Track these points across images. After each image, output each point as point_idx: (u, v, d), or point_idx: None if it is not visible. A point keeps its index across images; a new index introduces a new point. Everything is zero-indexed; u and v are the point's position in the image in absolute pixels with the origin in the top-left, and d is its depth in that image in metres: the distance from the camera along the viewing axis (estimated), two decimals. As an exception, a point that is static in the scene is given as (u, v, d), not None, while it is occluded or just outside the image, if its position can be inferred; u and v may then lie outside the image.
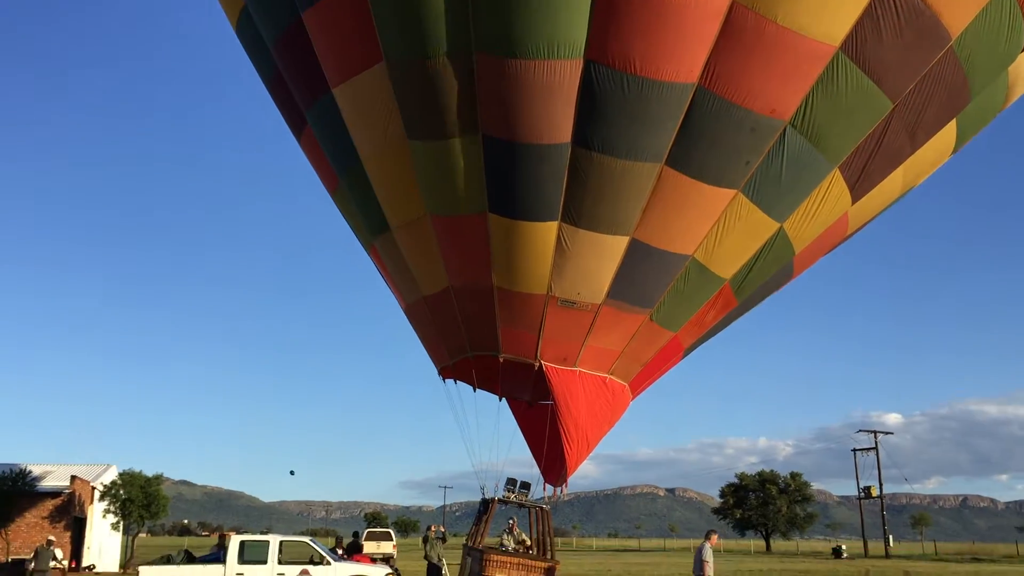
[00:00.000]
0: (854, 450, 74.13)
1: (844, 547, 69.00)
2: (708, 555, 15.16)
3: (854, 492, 76.89)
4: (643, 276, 15.96)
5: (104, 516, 45.27)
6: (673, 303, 16.64)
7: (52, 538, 27.52)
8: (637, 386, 18.75)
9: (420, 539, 43.50)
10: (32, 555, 23.59)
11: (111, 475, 47.69)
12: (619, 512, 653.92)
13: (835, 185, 15.90)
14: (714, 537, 16.21)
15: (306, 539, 18.91)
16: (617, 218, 15.09)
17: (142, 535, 56.09)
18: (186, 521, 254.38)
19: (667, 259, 15.73)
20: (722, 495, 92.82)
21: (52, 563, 23.27)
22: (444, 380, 19.18)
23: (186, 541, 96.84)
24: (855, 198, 16.51)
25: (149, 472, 45.45)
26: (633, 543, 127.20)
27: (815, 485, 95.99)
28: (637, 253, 15.51)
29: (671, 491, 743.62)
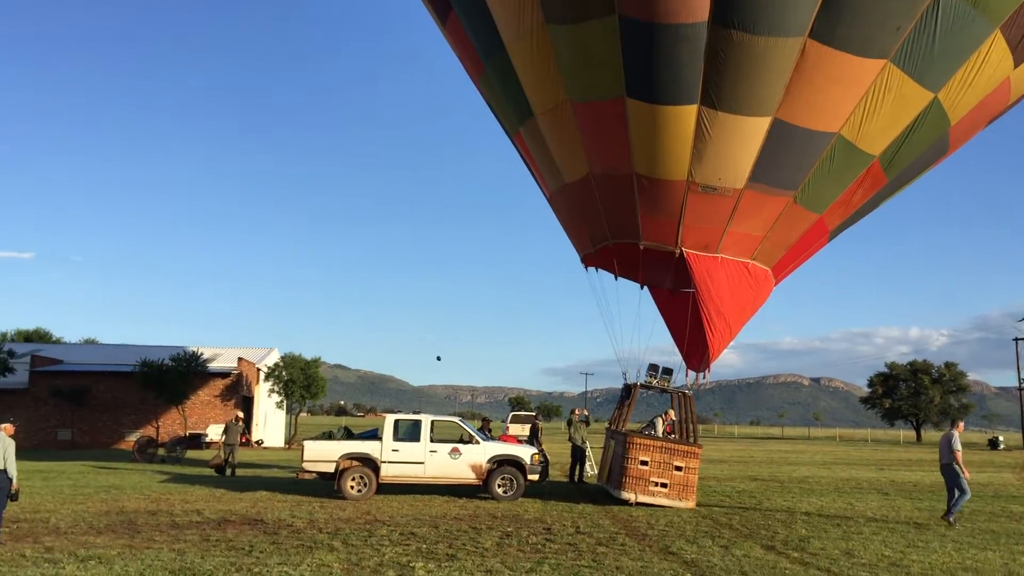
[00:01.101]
0: (1016, 340, 70.55)
1: (1001, 439, 66.50)
2: (957, 443, 14.97)
3: (1013, 383, 73.56)
4: (786, 157, 15.50)
5: (269, 395, 48.57)
6: (818, 184, 16.13)
7: (240, 414, 29.54)
8: (780, 271, 18.43)
9: (564, 423, 44.74)
10: (223, 429, 25.42)
11: (273, 358, 50.91)
12: (761, 401, 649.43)
13: (995, 48, 14.79)
14: (960, 425, 15.99)
15: (456, 419, 19.82)
16: (758, 98, 14.62)
17: (303, 414, 59.98)
18: (342, 402, 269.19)
19: (811, 138, 15.20)
20: (870, 385, 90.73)
21: (242, 438, 25.21)
22: (586, 268, 19.39)
23: (343, 420, 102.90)
24: (1018, 61, 15.35)
25: (308, 356, 48.26)
26: (776, 431, 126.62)
27: (971, 375, 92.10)
28: (780, 134, 15.05)
29: (815, 380, 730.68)
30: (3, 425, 12.15)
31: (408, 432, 18.28)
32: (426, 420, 18.46)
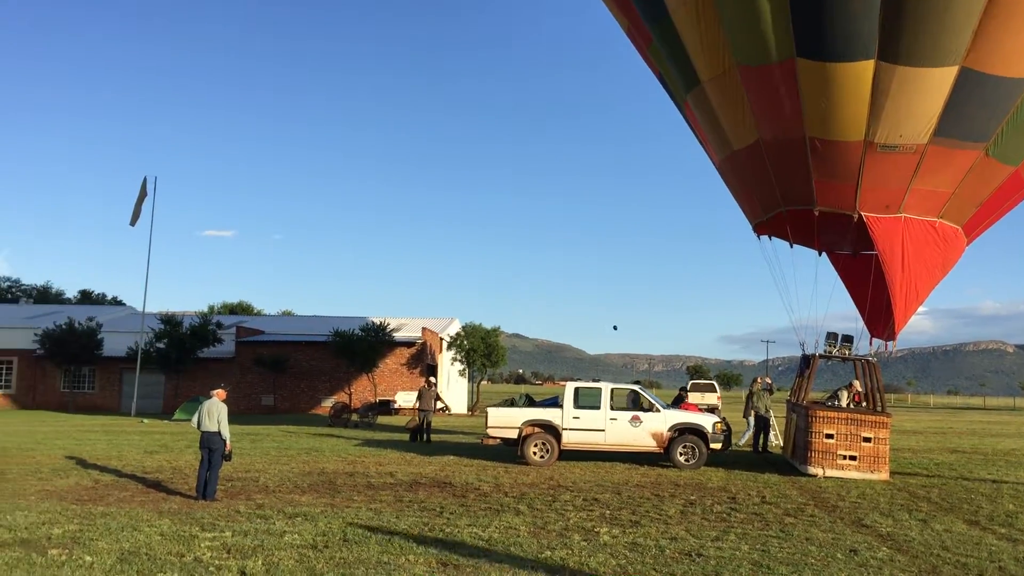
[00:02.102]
0: None
1: None
2: None
3: None
4: (976, 108, 14.47)
5: (452, 364, 50.13)
6: (1013, 134, 14.96)
7: (433, 379, 29.61)
8: (973, 229, 17.24)
9: (744, 394, 43.75)
10: (417, 395, 25.79)
11: (455, 328, 52.52)
12: (959, 369, 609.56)
13: None
14: None
15: (635, 387, 19.77)
16: (943, 48, 13.69)
17: (483, 382, 61.59)
18: (520, 371, 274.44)
19: (1004, 86, 14.12)
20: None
21: (436, 403, 25.42)
22: (759, 237, 18.81)
23: (523, 388, 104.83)
24: None
25: (487, 325, 49.43)
26: (977, 401, 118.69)
27: None
28: (968, 83, 14.05)
29: (1021, 347, 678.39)
30: (216, 391, 13.21)
31: (588, 400, 18.44)
32: (606, 388, 18.56)
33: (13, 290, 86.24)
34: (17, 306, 66.06)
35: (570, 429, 18.29)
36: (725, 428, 18.33)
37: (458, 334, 49.28)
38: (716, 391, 46.85)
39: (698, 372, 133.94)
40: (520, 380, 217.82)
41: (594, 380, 20.33)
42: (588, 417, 18.21)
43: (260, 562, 8.35)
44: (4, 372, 48.56)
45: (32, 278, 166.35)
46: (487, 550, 9.13)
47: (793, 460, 17.89)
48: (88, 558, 8.35)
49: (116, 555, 8.52)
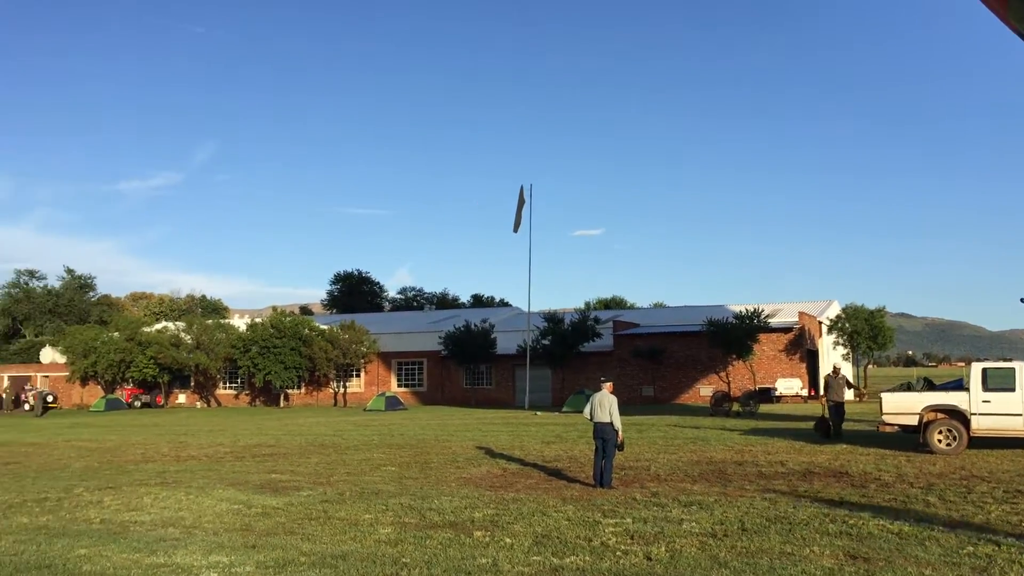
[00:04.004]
0: None
1: None
2: None
3: None
4: None
5: (834, 348, 47.80)
6: None
7: (838, 365, 23.70)
8: None
9: None
10: (824, 384, 23.15)
11: (834, 310, 50.01)
12: None
13: None
14: None
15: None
16: None
17: (870, 366, 57.92)
18: (909, 352, 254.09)
19: None
20: None
21: (845, 391, 21.23)
22: None
23: (913, 371, 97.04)
24: None
25: (870, 306, 46.46)
26: None
27: None
28: None
29: None
30: (605, 384, 13.77)
31: (1001, 381, 16.63)
32: (1020, 368, 16.59)
33: (418, 299, 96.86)
34: (422, 312, 74.10)
35: (980, 414, 16.61)
36: None
37: (838, 316, 46.88)
38: None
39: None
40: (910, 362, 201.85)
41: (1004, 360, 18.26)
42: (1001, 400, 16.42)
43: (663, 548, 8.58)
44: (416, 372, 54.66)
45: (432, 286, 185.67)
46: (899, 544, 8.59)
47: None
48: (508, 540, 9.13)
49: (531, 538, 9.23)
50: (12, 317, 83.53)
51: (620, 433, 13.42)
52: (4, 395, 55.10)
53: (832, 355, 49.22)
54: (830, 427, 20.83)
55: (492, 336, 50.30)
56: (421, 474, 15.15)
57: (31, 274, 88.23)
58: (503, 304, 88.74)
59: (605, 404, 13.37)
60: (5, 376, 61.06)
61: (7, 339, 78.00)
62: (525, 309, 57.22)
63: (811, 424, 23.13)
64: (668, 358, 47.49)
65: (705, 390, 45.48)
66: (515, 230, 45.82)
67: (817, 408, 29.54)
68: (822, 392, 23.58)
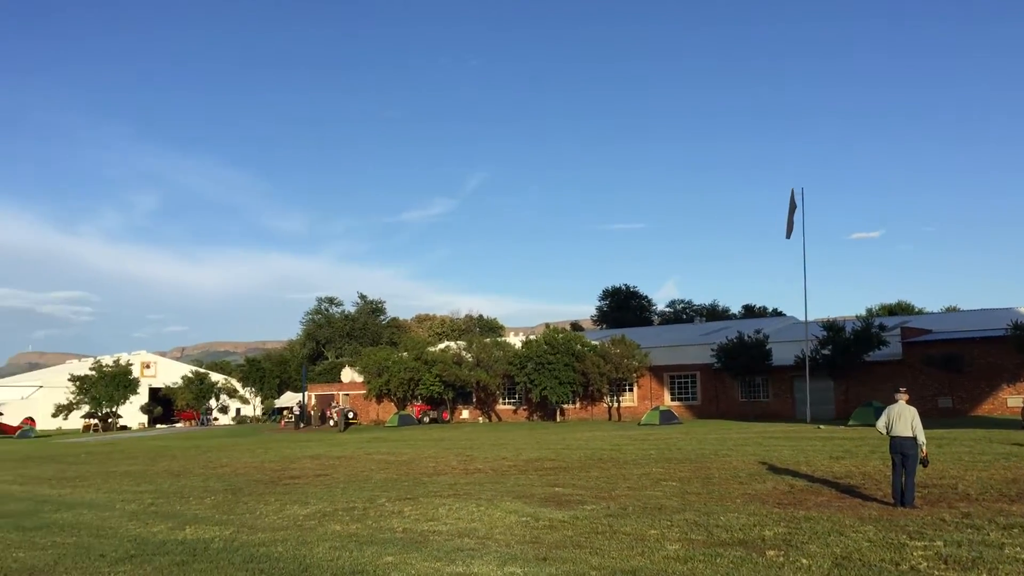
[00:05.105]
0: None
1: None
2: None
3: None
4: None
5: None
6: None
7: None
8: None
9: None
10: None
11: None
12: None
13: None
14: None
15: None
16: None
17: None
18: None
19: None
20: None
21: None
22: None
23: None
24: None
25: None
26: None
27: None
28: None
29: None
30: (901, 395, 12.79)
31: None
32: None
33: (687, 311, 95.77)
34: (692, 325, 73.11)
35: None
36: None
37: None
38: None
39: None
40: None
41: None
42: None
43: (984, 575, 7.80)
44: (689, 385, 53.91)
45: (701, 298, 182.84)
46: None
47: None
48: (804, 561, 8.68)
49: (830, 559, 8.71)
50: (316, 340, 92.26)
51: (924, 448, 12.40)
52: (312, 412, 60.74)
53: None
54: None
55: (767, 347, 48.54)
56: (703, 489, 14.84)
57: (331, 301, 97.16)
58: (776, 314, 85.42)
59: (905, 416, 12.41)
60: (312, 395, 67.20)
61: (312, 361, 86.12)
62: (800, 318, 54.74)
63: None
64: (967, 366, 43.39)
65: (1013, 400, 41.07)
66: (787, 236, 44.08)
67: None
68: None
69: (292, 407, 65.56)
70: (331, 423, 57.49)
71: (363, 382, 62.30)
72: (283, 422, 63.00)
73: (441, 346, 63.77)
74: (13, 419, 74.34)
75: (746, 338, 48.61)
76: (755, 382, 50.46)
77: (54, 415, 73.00)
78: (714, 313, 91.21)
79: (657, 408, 46.21)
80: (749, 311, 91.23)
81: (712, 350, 50.52)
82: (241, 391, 79.98)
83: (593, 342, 55.27)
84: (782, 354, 48.69)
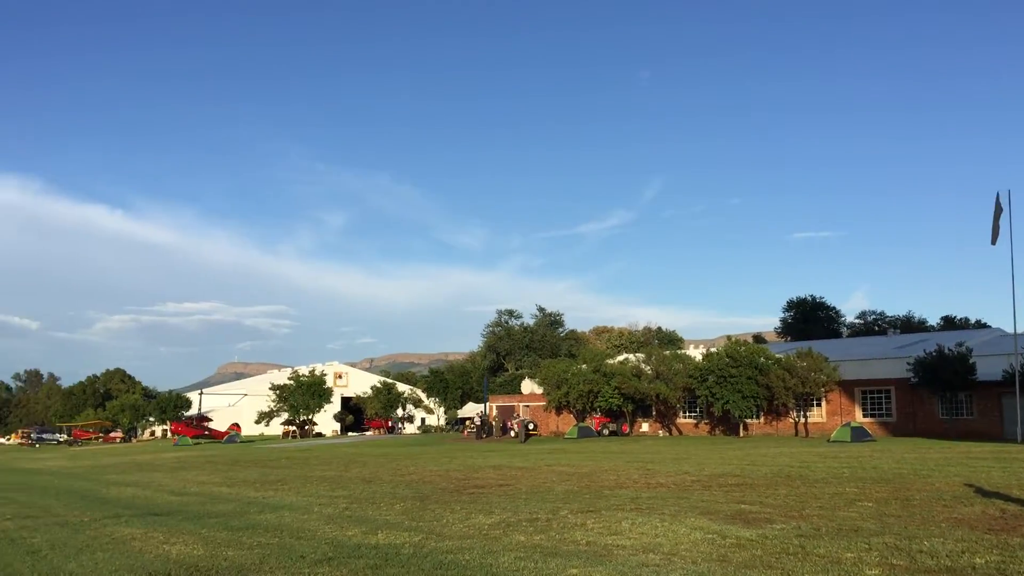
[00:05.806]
0: None
1: None
2: None
3: None
4: None
5: None
6: None
7: None
8: None
9: None
10: None
11: None
12: None
13: None
14: None
15: None
16: None
17: None
18: None
19: None
20: None
21: None
22: None
23: None
24: None
25: None
26: None
27: None
28: None
29: None
30: None
31: None
32: None
33: (879, 323, 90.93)
34: (886, 337, 69.32)
35: None
36: None
37: None
38: None
39: None
40: None
41: None
42: None
43: None
44: (882, 401, 51.08)
45: (894, 309, 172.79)
46: None
47: None
48: (1022, 593, 8.01)
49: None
50: (496, 352, 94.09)
51: None
52: (493, 423, 61.91)
53: None
54: None
55: (970, 361, 45.29)
56: (903, 511, 13.99)
57: (510, 313, 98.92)
58: (980, 325, 79.57)
59: None
60: (494, 406, 68.50)
61: (493, 372, 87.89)
62: (1008, 330, 50.75)
63: None
64: None
65: None
66: (992, 242, 41.07)
67: None
68: None
69: (474, 417, 67.15)
70: (512, 434, 58.40)
71: (543, 393, 62.90)
72: (466, 432, 64.56)
73: (620, 358, 63.46)
74: (221, 424, 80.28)
75: (947, 351, 45.58)
76: (957, 398, 47.21)
77: (256, 421, 78.19)
78: (909, 325, 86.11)
79: (848, 424, 44.02)
80: (949, 323, 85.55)
81: (908, 364, 47.70)
82: (426, 401, 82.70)
83: (777, 355, 53.42)
84: (987, 368, 45.31)
